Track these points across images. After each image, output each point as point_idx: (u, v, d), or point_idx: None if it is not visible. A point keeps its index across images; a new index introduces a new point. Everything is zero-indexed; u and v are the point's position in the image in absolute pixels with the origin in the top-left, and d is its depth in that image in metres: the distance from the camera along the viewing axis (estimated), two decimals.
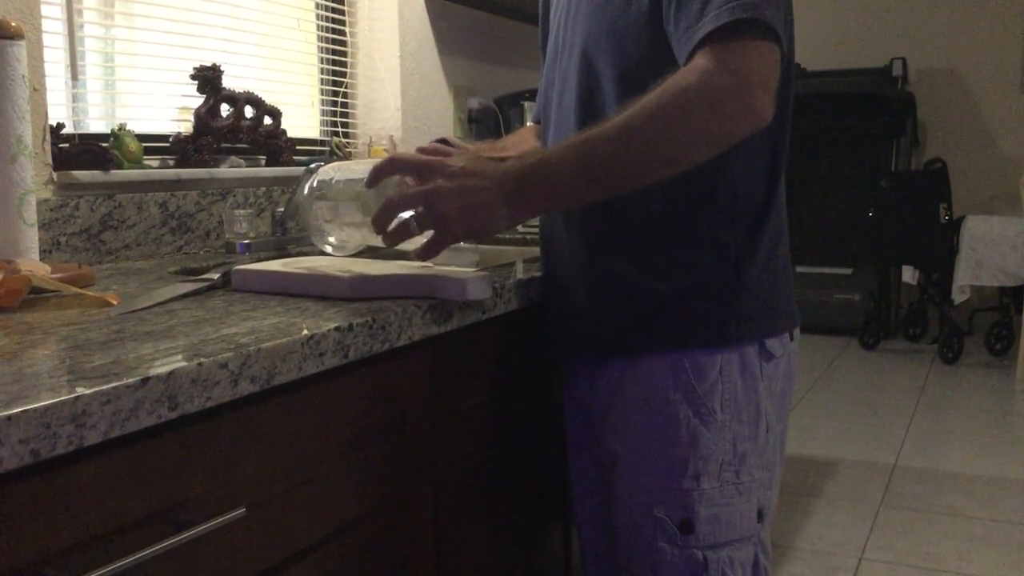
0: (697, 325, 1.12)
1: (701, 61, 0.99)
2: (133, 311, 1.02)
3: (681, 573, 1.12)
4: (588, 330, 1.20)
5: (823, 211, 5.29)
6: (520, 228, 2.06)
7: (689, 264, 1.12)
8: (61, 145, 1.55)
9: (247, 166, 1.91)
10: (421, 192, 1.02)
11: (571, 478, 1.32)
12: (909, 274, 4.93)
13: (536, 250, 1.78)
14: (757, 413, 1.14)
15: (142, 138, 1.71)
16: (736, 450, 1.13)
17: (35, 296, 1.10)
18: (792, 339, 1.19)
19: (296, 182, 1.84)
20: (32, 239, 1.24)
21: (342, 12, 2.38)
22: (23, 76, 1.21)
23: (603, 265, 1.16)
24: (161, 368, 0.74)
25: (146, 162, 1.71)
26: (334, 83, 2.38)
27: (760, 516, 1.16)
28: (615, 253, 1.15)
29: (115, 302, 1.06)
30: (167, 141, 1.80)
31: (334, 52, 2.37)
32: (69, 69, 1.66)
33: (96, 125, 1.77)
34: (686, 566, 1.12)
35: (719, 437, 1.12)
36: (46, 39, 1.50)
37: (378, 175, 1.08)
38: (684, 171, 1.02)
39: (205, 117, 1.82)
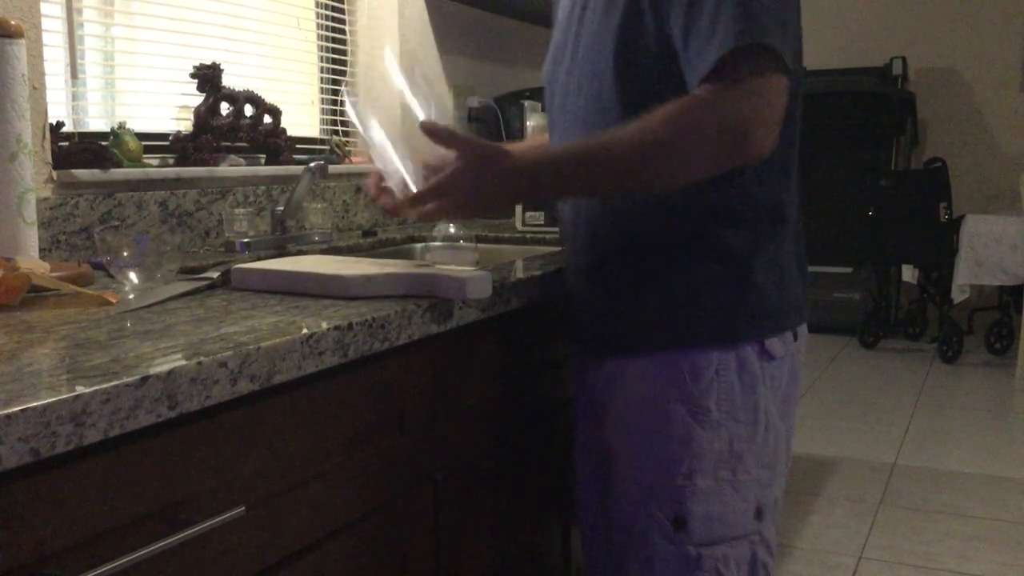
0: (700, 325, 1.12)
1: (712, 95, 1.01)
2: (132, 310, 1.02)
3: (674, 569, 1.14)
4: (594, 327, 1.21)
5: (823, 210, 5.28)
6: (520, 227, 2.06)
7: (695, 268, 1.13)
8: (61, 143, 1.54)
9: (247, 165, 1.91)
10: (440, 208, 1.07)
11: (575, 472, 1.33)
12: (909, 273, 4.92)
13: (536, 249, 1.79)
14: (756, 413, 1.14)
15: (142, 137, 1.70)
16: (732, 449, 1.13)
17: (34, 294, 1.10)
18: (796, 339, 1.19)
19: (296, 181, 1.84)
20: (32, 237, 1.24)
21: (342, 11, 2.38)
22: (23, 75, 1.21)
23: (607, 269, 1.17)
24: (161, 367, 0.74)
25: (146, 161, 1.71)
26: (334, 82, 2.38)
27: (759, 514, 1.16)
28: (620, 261, 1.16)
29: (114, 300, 1.06)
30: (167, 140, 1.80)
31: (334, 51, 2.37)
32: (69, 67, 1.66)
33: (96, 123, 1.77)
34: (679, 562, 1.13)
35: (714, 436, 1.12)
36: (46, 37, 1.50)
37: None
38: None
39: (205, 116, 1.82)
